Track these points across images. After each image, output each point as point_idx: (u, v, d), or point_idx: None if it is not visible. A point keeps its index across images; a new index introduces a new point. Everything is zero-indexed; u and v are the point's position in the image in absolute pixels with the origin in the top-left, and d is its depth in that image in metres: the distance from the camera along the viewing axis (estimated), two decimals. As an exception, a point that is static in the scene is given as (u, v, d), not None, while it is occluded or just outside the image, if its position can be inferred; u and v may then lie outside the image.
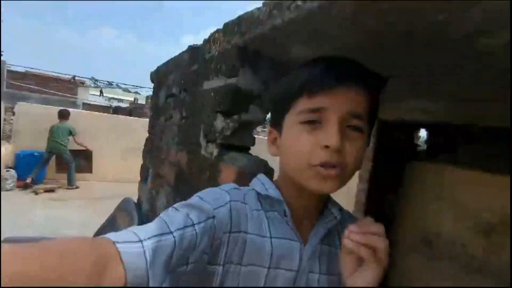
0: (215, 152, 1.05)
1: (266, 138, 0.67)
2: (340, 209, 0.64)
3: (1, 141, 5.30)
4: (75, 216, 4.10)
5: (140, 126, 6.26)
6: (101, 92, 15.04)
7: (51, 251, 0.36)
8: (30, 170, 5.23)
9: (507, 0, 0.46)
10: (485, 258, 2.10)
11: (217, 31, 1.17)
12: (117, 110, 12.64)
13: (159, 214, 0.52)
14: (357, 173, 0.61)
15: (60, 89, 12.96)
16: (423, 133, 2.62)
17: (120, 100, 18.11)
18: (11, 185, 4.98)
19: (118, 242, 0.42)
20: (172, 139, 1.46)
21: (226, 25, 1.11)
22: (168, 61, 1.71)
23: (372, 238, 0.49)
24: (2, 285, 0.30)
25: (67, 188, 5.52)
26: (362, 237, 0.49)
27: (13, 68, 12.02)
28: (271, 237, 0.55)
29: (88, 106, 12.35)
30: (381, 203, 2.47)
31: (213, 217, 0.51)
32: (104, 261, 0.39)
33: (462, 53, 0.81)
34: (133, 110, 10.84)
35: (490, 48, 0.76)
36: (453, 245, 2.27)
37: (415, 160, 2.52)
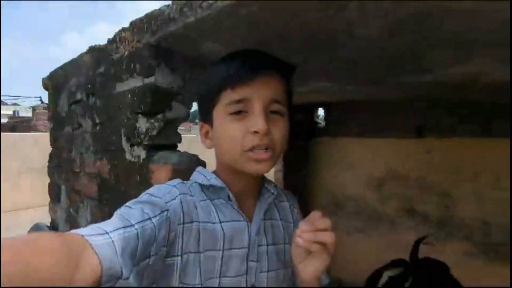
0: (143, 154, 1.02)
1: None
2: (275, 185, 0.72)
3: None
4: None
5: (32, 142, 5.32)
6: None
7: (23, 246, 0.35)
8: None
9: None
10: (381, 207, 2.59)
11: (123, 30, 1.11)
12: (-8, 128, 10.35)
13: None
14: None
15: None
16: (321, 112, 2.98)
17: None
18: None
19: (86, 235, 0.42)
20: (86, 149, 1.34)
21: (133, 23, 1.07)
22: (64, 65, 1.52)
23: (322, 234, 0.53)
24: None
25: None
26: (312, 236, 0.53)
27: None
28: (220, 222, 0.60)
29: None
30: (296, 178, 2.75)
31: (167, 210, 0.54)
32: (78, 253, 0.39)
33: (342, 43, 0.98)
34: (17, 125, 9.07)
35: (367, 36, 0.95)
36: (356, 202, 2.71)
37: (317, 137, 2.88)
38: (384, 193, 2.54)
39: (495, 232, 2.04)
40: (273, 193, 0.68)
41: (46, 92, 1.77)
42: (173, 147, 1.09)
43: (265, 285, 0.63)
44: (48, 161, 1.75)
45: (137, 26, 1.05)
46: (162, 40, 0.98)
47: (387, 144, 2.48)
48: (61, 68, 1.56)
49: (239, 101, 0.57)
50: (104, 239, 0.43)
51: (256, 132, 0.55)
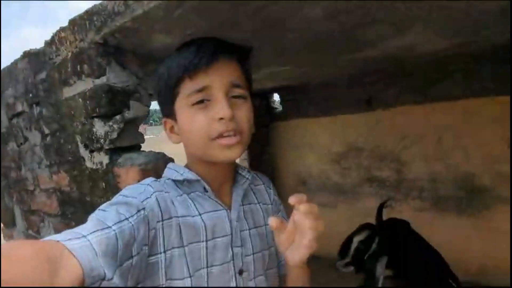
0: (106, 159, 0.98)
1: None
2: (248, 171, 0.73)
3: None
4: None
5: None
6: None
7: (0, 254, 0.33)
8: None
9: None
10: (343, 180, 2.75)
11: (62, 29, 1.03)
12: None
13: None
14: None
15: None
16: (276, 97, 3.05)
17: None
18: None
19: (62, 240, 0.41)
20: (38, 164, 1.23)
21: (72, 21, 0.99)
22: (-5, 75, 1.37)
23: (319, 223, 0.52)
24: None
25: None
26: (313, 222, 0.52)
27: None
28: (200, 214, 0.60)
29: None
30: (260, 164, 2.81)
31: (143, 209, 0.53)
32: (55, 258, 0.38)
33: (291, 27, 1.02)
34: None
35: (312, 18, 0.99)
36: (320, 178, 2.85)
37: (275, 121, 2.96)
38: (344, 166, 2.70)
39: (441, 187, 2.29)
40: (247, 178, 0.69)
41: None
42: (136, 147, 1.05)
43: (253, 267, 0.65)
44: (-7, 184, 1.58)
45: (78, 24, 0.98)
46: (109, 36, 0.92)
47: (342, 120, 2.62)
48: (-8, 79, 1.40)
49: (199, 90, 0.56)
50: (82, 242, 0.42)
51: (221, 118, 0.55)
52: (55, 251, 0.39)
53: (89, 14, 0.95)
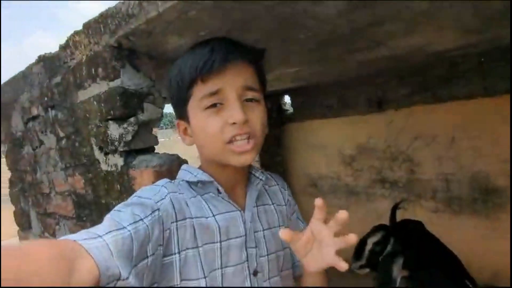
0: (120, 161, 0.98)
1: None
2: (262, 171, 0.73)
3: None
4: None
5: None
6: None
7: (14, 254, 0.34)
8: None
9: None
10: (353, 182, 2.72)
11: (76, 33, 1.04)
12: None
13: None
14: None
15: None
16: (287, 99, 3.04)
17: None
18: None
19: (79, 240, 0.41)
20: (53, 167, 1.25)
21: (86, 25, 1.01)
22: (11, 80, 1.39)
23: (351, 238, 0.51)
24: None
25: None
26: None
27: None
28: (213, 216, 0.60)
29: None
30: (272, 166, 2.80)
31: (158, 209, 0.53)
32: (72, 257, 0.38)
33: (303, 25, 1.01)
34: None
35: (325, 16, 0.98)
36: (331, 180, 2.83)
37: (287, 123, 2.95)
38: (355, 168, 2.67)
39: (455, 187, 2.24)
40: (261, 179, 0.69)
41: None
42: (150, 150, 1.05)
43: (267, 268, 0.64)
44: (10, 187, 1.60)
45: (92, 27, 0.99)
46: (123, 39, 0.93)
47: (353, 121, 2.60)
48: (7, 84, 1.43)
49: (212, 94, 0.55)
50: (98, 242, 0.42)
51: (234, 123, 0.55)
52: (71, 250, 0.39)
53: (103, 17, 0.96)
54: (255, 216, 0.66)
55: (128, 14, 0.87)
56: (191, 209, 0.58)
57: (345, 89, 2.55)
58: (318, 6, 0.87)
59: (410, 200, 2.40)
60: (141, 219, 0.49)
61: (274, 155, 2.85)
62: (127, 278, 0.44)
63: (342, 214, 0.50)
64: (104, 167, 1.03)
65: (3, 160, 1.68)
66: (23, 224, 1.55)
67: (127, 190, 0.98)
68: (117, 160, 0.99)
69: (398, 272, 1.22)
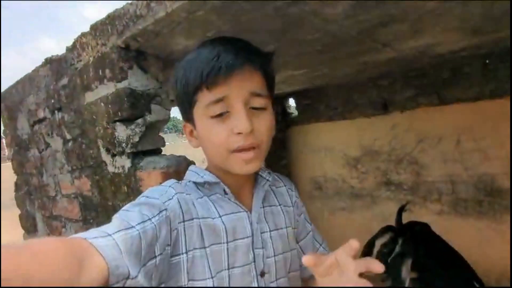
0: (128, 163, 0.98)
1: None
2: (269, 172, 0.72)
3: None
4: None
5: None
6: None
7: (23, 251, 0.34)
8: None
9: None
10: (359, 185, 2.71)
11: (84, 34, 1.05)
12: None
13: None
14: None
15: None
16: (291, 102, 3.04)
17: None
18: None
19: (89, 238, 0.41)
20: (59, 170, 1.24)
21: (94, 26, 1.01)
22: (17, 83, 1.39)
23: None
24: None
25: None
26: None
27: None
28: (220, 216, 0.60)
29: None
30: (278, 169, 2.79)
31: (165, 209, 0.53)
32: (82, 255, 0.38)
33: (310, 26, 1.01)
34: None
35: (333, 17, 0.98)
36: (336, 183, 2.82)
37: (291, 126, 2.95)
38: (360, 170, 2.66)
39: (461, 189, 2.22)
40: (268, 180, 0.68)
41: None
42: (157, 151, 1.05)
43: (274, 269, 0.64)
44: (15, 191, 1.59)
45: (100, 28, 0.99)
46: (131, 40, 0.93)
47: (358, 124, 2.59)
48: (14, 86, 1.43)
49: (217, 101, 0.54)
50: (108, 241, 0.43)
51: (240, 133, 0.54)
52: (81, 248, 0.39)
53: (110, 18, 0.96)
54: (262, 217, 0.66)
55: (136, 15, 0.87)
56: (198, 210, 0.58)
57: (350, 92, 2.54)
58: (327, 6, 0.87)
59: (415, 203, 2.38)
60: (149, 219, 0.50)
61: (279, 158, 2.84)
62: (136, 277, 0.44)
63: (354, 244, 0.48)
64: (111, 169, 1.03)
65: (7, 164, 1.68)
66: (29, 228, 1.54)
67: (134, 192, 0.97)
68: (124, 162, 0.98)
69: (407, 273, 1.21)
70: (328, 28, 1.07)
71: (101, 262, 0.40)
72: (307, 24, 1.00)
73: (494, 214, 2.09)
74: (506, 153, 1.98)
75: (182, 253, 0.55)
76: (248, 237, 0.61)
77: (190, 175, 0.65)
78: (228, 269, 0.58)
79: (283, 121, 2.88)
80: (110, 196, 1.05)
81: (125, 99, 0.94)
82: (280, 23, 0.94)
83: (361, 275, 0.47)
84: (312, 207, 2.87)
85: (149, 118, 0.98)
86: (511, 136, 1.85)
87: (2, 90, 1.53)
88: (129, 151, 0.96)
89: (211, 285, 0.56)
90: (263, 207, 0.67)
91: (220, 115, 0.55)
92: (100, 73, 1.00)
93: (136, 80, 0.96)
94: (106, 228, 0.46)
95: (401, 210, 1.71)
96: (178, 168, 0.95)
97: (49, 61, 1.19)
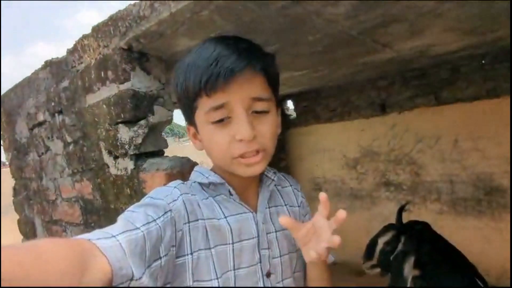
0: (131, 165, 0.97)
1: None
2: (274, 172, 0.72)
3: None
4: None
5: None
6: None
7: (26, 252, 0.34)
8: None
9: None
10: (358, 186, 2.72)
11: (85, 37, 1.04)
12: None
13: None
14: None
15: None
16: (289, 104, 3.05)
17: None
18: None
19: (93, 239, 0.41)
20: (60, 173, 1.23)
21: (95, 28, 1.00)
22: (16, 86, 1.38)
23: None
24: None
25: None
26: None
27: None
28: (225, 217, 0.59)
29: None
30: (278, 170, 2.78)
31: (170, 210, 0.53)
32: (85, 256, 0.38)
33: (312, 26, 1.02)
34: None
35: (334, 17, 0.99)
36: (336, 184, 2.82)
37: (290, 128, 2.96)
38: (360, 171, 2.67)
39: (460, 189, 2.24)
40: (273, 180, 0.68)
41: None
42: (160, 153, 1.04)
43: (280, 270, 0.63)
44: (14, 195, 1.57)
45: (101, 30, 0.99)
46: (134, 42, 0.93)
47: (356, 125, 2.61)
48: (12, 90, 1.41)
49: (218, 107, 0.53)
50: (112, 242, 0.42)
51: (242, 139, 0.53)
52: (85, 249, 0.39)
53: (113, 20, 0.96)
54: (267, 217, 0.65)
55: (139, 16, 0.87)
56: (203, 211, 0.58)
57: (349, 93, 2.56)
58: (330, 6, 0.88)
59: (415, 203, 2.40)
60: (154, 220, 0.49)
61: (278, 160, 2.84)
62: (141, 278, 0.43)
63: (342, 214, 0.52)
64: (113, 171, 1.02)
65: (5, 169, 1.65)
66: (28, 233, 1.52)
67: (137, 194, 0.96)
68: (127, 164, 0.98)
69: (409, 271, 1.21)
70: (330, 29, 1.08)
71: (104, 263, 0.39)
72: (309, 24, 1.00)
73: (493, 212, 2.10)
74: (504, 152, 2.00)
75: (187, 254, 0.54)
76: (254, 237, 0.61)
77: (195, 175, 0.65)
78: (234, 270, 0.58)
79: (282, 123, 2.87)
80: (112, 199, 1.04)
81: (128, 100, 0.94)
82: (283, 23, 0.95)
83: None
84: (311, 208, 2.86)
85: (152, 119, 0.97)
86: (511, 136, 1.87)
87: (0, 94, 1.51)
88: (132, 152, 0.96)
89: (217, 286, 0.55)
90: (269, 207, 0.67)
91: (221, 121, 0.53)
92: (102, 75, 0.99)
93: (139, 82, 0.96)
94: (111, 229, 0.45)
95: (401, 210, 1.72)
96: (182, 169, 0.94)
97: (49, 64, 1.18)
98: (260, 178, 0.68)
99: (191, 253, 0.54)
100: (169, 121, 1.04)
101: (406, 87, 2.31)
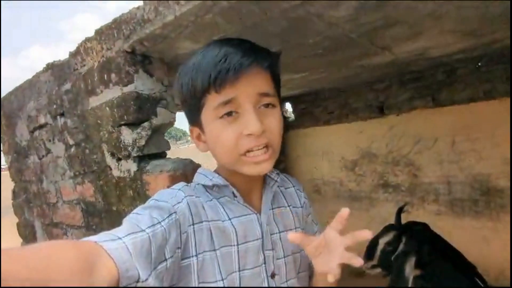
0: (134, 167, 0.97)
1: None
2: (278, 173, 0.72)
3: None
4: None
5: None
6: None
7: (38, 253, 0.34)
8: None
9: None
10: (357, 187, 2.73)
11: (88, 39, 1.04)
12: None
13: None
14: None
15: None
16: (288, 106, 3.06)
17: None
18: None
19: (99, 241, 0.42)
20: (61, 176, 1.22)
21: (99, 31, 1.01)
22: (16, 89, 1.38)
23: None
24: None
25: None
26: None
27: None
28: (230, 219, 0.60)
29: None
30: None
31: (174, 213, 0.53)
32: (92, 258, 0.38)
33: (313, 29, 1.03)
34: None
35: (335, 20, 1.00)
36: (334, 186, 2.83)
37: (289, 130, 2.97)
38: (358, 173, 2.68)
39: (457, 190, 2.26)
40: (276, 181, 0.68)
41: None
42: (162, 155, 1.04)
43: (284, 271, 0.64)
44: (13, 198, 1.56)
45: (105, 33, 0.99)
46: (137, 44, 0.94)
47: (354, 127, 2.62)
48: (13, 93, 1.41)
49: (226, 103, 0.53)
50: (118, 244, 0.43)
51: (250, 134, 0.53)
52: (92, 252, 0.40)
53: (116, 23, 0.96)
54: (271, 219, 0.66)
55: (143, 19, 0.88)
56: (207, 212, 0.58)
57: (347, 95, 2.58)
58: (332, 9, 0.89)
59: (413, 204, 2.41)
60: (159, 222, 0.49)
61: (277, 162, 2.81)
62: (147, 280, 0.44)
63: (344, 212, 0.53)
64: (116, 173, 1.02)
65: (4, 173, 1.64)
66: (27, 236, 1.51)
67: (140, 196, 0.96)
68: (130, 166, 0.98)
69: (410, 271, 1.22)
70: (330, 31, 1.09)
71: (111, 265, 0.40)
72: (311, 27, 1.01)
73: (490, 213, 2.12)
74: (501, 153, 2.03)
75: (192, 256, 0.54)
76: (258, 239, 0.61)
77: (199, 177, 0.65)
78: (239, 271, 0.58)
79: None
80: (114, 201, 1.04)
81: (132, 102, 0.94)
82: (285, 26, 0.96)
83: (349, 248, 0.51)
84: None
85: (155, 121, 0.97)
86: (511, 136, 1.89)
87: (-1, 97, 1.50)
88: (135, 154, 0.96)
89: (222, 287, 0.56)
90: (272, 208, 0.67)
91: (229, 114, 0.54)
92: (106, 77, 1.00)
93: (142, 84, 0.96)
94: (117, 231, 0.46)
95: (400, 211, 1.73)
96: (185, 171, 0.95)
97: (50, 67, 1.18)
98: (264, 180, 0.69)
99: (196, 255, 0.54)
100: (172, 123, 1.04)
101: (404, 89, 2.33)
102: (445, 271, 1.28)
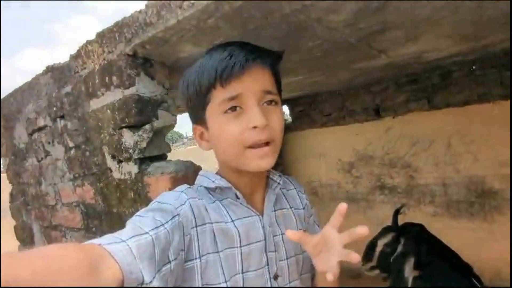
0: (135, 169, 0.97)
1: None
2: (280, 175, 0.73)
3: None
4: None
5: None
6: None
7: (43, 256, 0.35)
8: None
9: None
10: (353, 189, 2.75)
11: (89, 42, 1.05)
12: None
13: None
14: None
15: None
16: (285, 108, 3.08)
17: None
18: None
19: (103, 244, 0.42)
20: (60, 178, 1.22)
21: (100, 34, 1.01)
22: (15, 91, 1.37)
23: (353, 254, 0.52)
24: None
25: None
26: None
27: None
28: (233, 221, 0.60)
29: None
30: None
31: (178, 215, 0.53)
32: (97, 260, 0.39)
33: (313, 33, 1.05)
34: None
35: (335, 24, 1.02)
36: (331, 187, 2.85)
37: (287, 133, 2.98)
38: (355, 175, 2.70)
39: (453, 191, 2.28)
40: (278, 183, 0.69)
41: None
42: (163, 157, 1.05)
43: (287, 272, 0.65)
44: (11, 201, 1.54)
45: (106, 36, 1.00)
46: (139, 48, 0.94)
47: (351, 129, 2.64)
48: (11, 95, 1.40)
49: (232, 98, 0.55)
50: (122, 246, 0.43)
51: (255, 127, 0.55)
52: (96, 254, 0.40)
53: (118, 26, 0.97)
54: (274, 220, 0.66)
55: (145, 22, 0.89)
56: (210, 214, 0.59)
57: (343, 98, 2.60)
58: (332, 13, 0.90)
59: (409, 206, 2.43)
60: (162, 224, 0.50)
61: (276, 164, 2.86)
62: (150, 282, 0.44)
63: (342, 207, 0.54)
64: (116, 175, 1.02)
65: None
66: (25, 239, 1.50)
67: (141, 198, 0.96)
68: (131, 168, 0.98)
69: (410, 271, 1.23)
70: (330, 35, 1.11)
71: (115, 267, 0.40)
72: (311, 31, 1.03)
73: (485, 214, 2.15)
74: (495, 155, 2.06)
75: (196, 258, 0.55)
76: (261, 241, 0.62)
77: (201, 180, 0.65)
78: (242, 273, 0.59)
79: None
80: (115, 203, 1.04)
81: (133, 105, 0.95)
82: (285, 30, 0.97)
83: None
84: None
85: (156, 123, 0.98)
86: (511, 137, 1.92)
87: (-4, 99, 1.49)
88: (136, 157, 0.96)
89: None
90: (275, 210, 0.68)
91: (234, 109, 0.56)
92: (107, 80, 1.00)
93: (144, 87, 0.97)
94: (120, 234, 0.46)
95: (396, 212, 1.75)
96: (186, 172, 0.95)
97: (50, 69, 1.19)
98: (266, 182, 0.69)
99: (200, 257, 0.55)
100: (173, 125, 1.05)
101: (400, 92, 2.36)
102: (443, 272, 1.30)
